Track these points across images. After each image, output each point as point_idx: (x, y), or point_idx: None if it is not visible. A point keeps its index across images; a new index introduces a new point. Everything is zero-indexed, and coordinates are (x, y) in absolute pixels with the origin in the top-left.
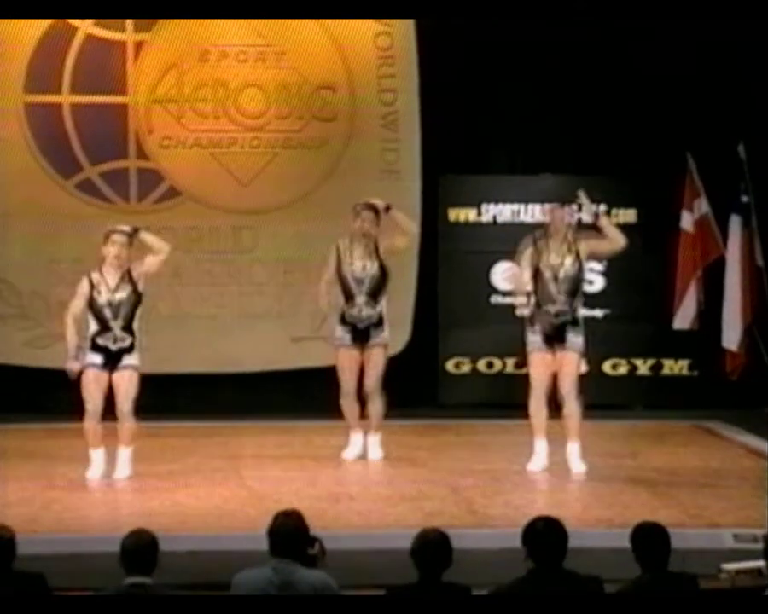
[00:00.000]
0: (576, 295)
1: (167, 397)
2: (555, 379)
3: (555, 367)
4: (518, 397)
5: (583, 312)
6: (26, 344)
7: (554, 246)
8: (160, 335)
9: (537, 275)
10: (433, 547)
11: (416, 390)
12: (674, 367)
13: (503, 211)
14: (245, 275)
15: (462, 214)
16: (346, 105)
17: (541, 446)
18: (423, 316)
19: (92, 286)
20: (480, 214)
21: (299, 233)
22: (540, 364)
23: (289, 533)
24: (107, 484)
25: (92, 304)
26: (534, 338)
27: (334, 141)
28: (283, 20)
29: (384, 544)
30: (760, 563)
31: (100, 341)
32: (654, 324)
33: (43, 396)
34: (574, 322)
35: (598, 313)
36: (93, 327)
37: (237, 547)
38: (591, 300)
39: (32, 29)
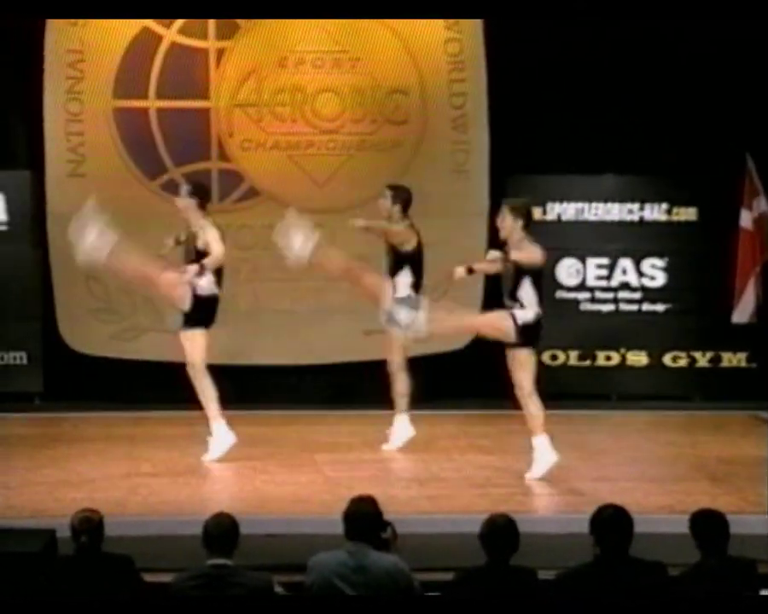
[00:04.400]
0: None
1: (246, 388)
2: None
3: None
4: (580, 388)
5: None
6: (113, 337)
7: None
8: (239, 328)
9: None
10: (500, 531)
11: (485, 380)
12: (732, 359)
13: (567, 210)
14: (320, 271)
15: None
16: (418, 108)
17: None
18: (492, 310)
19: None
20: (545, 212)
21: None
22: None
23: (363, 517)
24: (190, 471)
25: None
26: None
27: (406, 143)
28: (358, 27)
29: (453, 528)
30: None
31: None
32: (714, 318)
33: (128, 386)
34: None
35: (660, 307)
36: None
37: (313, 531)
38: (653, 295)
39: (120, 38)
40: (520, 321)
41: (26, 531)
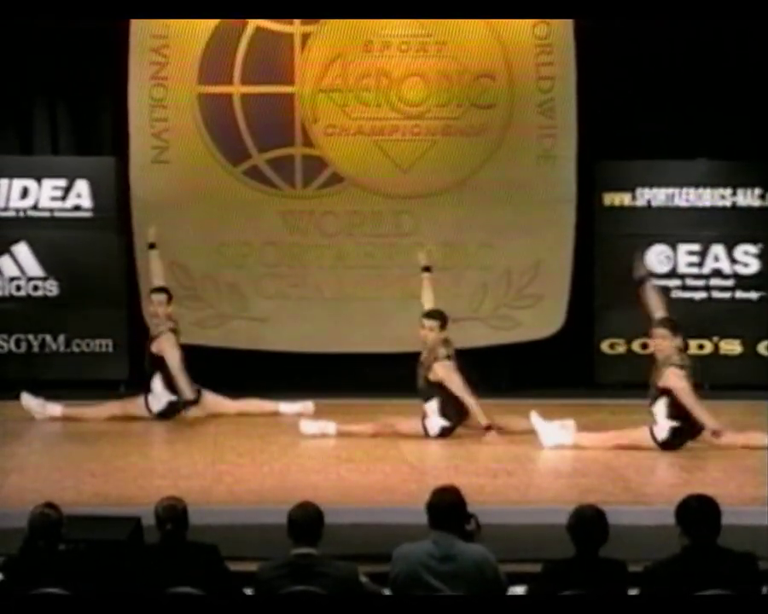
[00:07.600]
0: None
1: (330, 376)
2: None
3: None
4: None
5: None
6: (196, 324)
7: None
8: (324, 316)
9: None
10: (589, 522)
11: (571, 370)
12: None
13: (658, 196)
14: (405, 257)
15: (617, 198)
16: (505, 93)
17: None
18: (579, 298)
19: None
20: (634, 198)
21: (457, 217)
22: None
23: (448, 507)
24: (274, 459)
25: None
26: None
27: (492, 128)
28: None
29: (541, 519)
30: None
31: None
32: None
33: (212, 373)
34: None
35: (753, 295)
36: None
37: (398, 521)
38: (746, 282)
39: (205, 24)
40: (658, 437)
41: (112, 519)
